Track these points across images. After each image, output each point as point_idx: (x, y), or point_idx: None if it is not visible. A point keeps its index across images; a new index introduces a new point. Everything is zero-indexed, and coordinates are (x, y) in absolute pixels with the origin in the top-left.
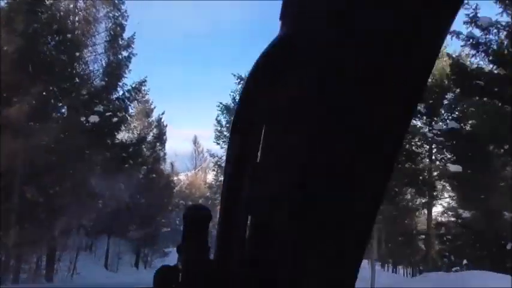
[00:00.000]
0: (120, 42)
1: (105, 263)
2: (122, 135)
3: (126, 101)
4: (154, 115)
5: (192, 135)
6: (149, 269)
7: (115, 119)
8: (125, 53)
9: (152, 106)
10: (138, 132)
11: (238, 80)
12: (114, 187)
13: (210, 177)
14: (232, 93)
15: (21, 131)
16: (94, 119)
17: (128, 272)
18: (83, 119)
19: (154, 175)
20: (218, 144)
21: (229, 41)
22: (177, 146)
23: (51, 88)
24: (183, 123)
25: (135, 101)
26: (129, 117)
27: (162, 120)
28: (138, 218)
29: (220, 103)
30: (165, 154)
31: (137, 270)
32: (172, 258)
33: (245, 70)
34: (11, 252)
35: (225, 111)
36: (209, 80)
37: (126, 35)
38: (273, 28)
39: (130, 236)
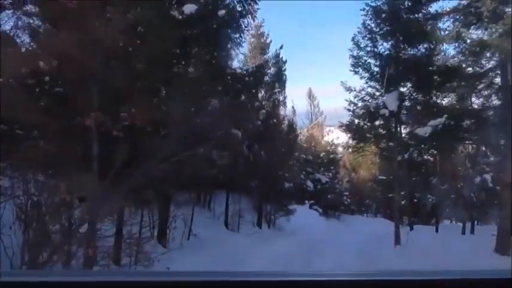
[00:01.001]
0: None
1: (225, 222)
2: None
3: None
4: (271, 50)
5: (305, 90)
6: (273, 228)
7: (221, 13)
8: None
9: (268, 40)
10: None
11: None
12: (228, 131)
13: (330, 134)
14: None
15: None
16: (191, 8)
17: (250, 232)
18: (174, 13)
19: (274, 120)
20: (356, 73)
21: None
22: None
23: None
24: (295, 80)
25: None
26: (242, 35)
27: (281, 56)
28: (259, 171)
29: (366, 5)
30: (285, 98)
31: (260, 230)
32: (297, 216)
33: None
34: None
35: (371, 17)
36: (323, 38)
37: None
38: None
39: (252, 192)
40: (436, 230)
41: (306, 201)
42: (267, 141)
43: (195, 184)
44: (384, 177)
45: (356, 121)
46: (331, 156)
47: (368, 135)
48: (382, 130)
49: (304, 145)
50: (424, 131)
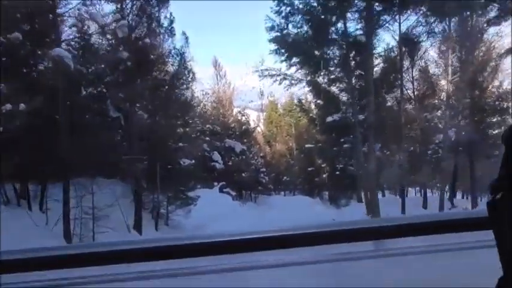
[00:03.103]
0: None
1: (65, 232)
2: None
3: None
4: None
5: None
6: (165, 229)
7: None
8: None
9: None
10: None
11: None
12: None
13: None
14: None
15: None
16: None
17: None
18: None
19: (165, 69)
20: None
21: None
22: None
23: None
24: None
25: None
26: None
27: None
28: (135, 140)
29: None
30: (172, 21)
31: (139, 238)
32: (203, 206)
33: None
34: None
35: None
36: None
37: None
38: None
39: (124, 175)
40: (403, 209)
41: (215, 183)
42: (155, 98)
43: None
44: (311, 145)
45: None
46: (244, 127)
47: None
48: None
49: (212, 117)
50: None
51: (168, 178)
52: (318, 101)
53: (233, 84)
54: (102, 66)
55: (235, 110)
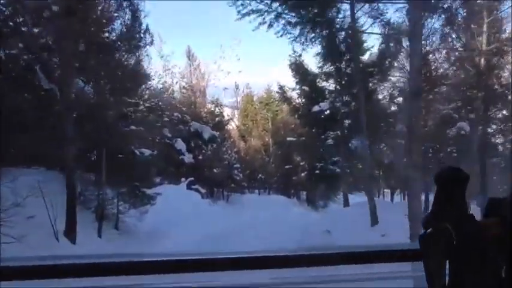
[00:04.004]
0: None
1: None
2: None
3: None
4: None
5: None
6: (110, 235)
7: None
8: None
9: None
10: None
11: None
12: None
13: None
14: None
15: None
16: None
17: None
18: None
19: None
20: None
21: None
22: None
23: None
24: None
25: None
26: None
27: None
28: (88, 125)
29: None
30: None
31: (71, 247)
32: (166, 204)
33: None
34: None
35: None
36: None
37: None
38: None
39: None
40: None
41: (183, 179)
42: (82, 50)
43: None
44: (293, 139)
45: None
46: (217, 119)
47: None
48: None
49: (183, 108)
50: None
51: (120, 170)
52: (304, 87)
53: (207, 72)
54: (23, 18)
55: (208, 101)
